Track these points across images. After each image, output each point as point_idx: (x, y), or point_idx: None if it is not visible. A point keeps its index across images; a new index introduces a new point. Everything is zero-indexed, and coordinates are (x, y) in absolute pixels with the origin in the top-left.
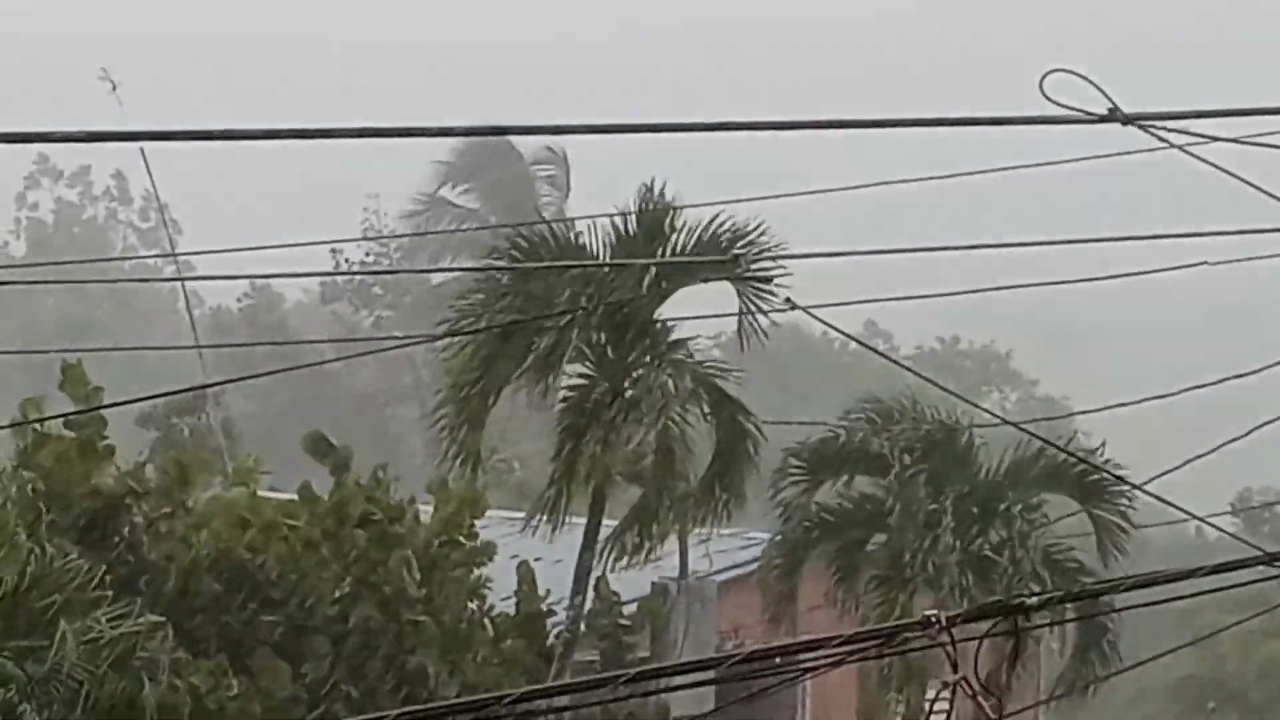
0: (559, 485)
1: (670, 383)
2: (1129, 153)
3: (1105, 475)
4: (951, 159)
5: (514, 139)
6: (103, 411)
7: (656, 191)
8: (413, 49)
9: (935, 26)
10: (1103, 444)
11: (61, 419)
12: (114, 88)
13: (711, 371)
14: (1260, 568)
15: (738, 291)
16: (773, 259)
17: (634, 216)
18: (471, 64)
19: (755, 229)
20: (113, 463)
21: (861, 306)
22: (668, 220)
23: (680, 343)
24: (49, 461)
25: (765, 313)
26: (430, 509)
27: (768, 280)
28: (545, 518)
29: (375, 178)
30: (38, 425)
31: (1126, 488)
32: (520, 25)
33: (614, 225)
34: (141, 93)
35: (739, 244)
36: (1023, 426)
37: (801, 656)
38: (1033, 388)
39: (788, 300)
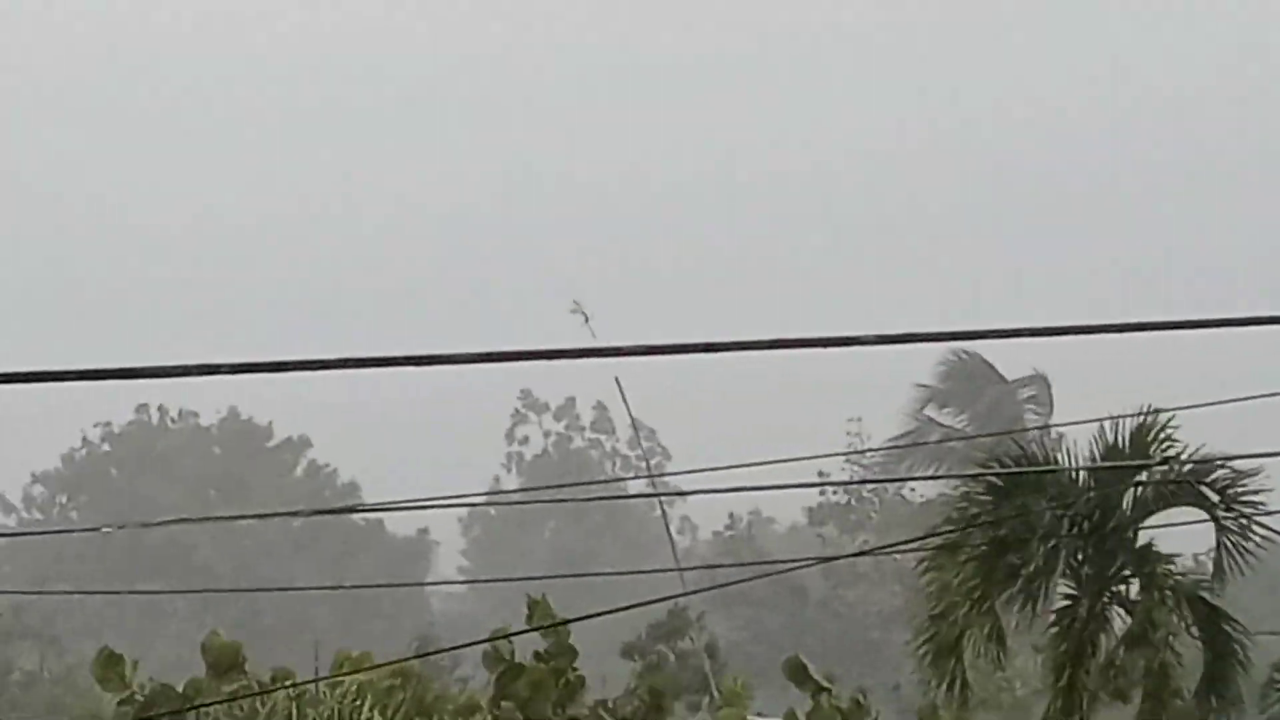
0: (1061, 709)
1: (1162, 604)
2: None
3: None
4: None
5: (993, 361)
6: (578, 641)
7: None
8: None
9: None
10: None
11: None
12: (586, 320)
13: (1198, 587)
14: None
15: (1215, 521)
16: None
17: (1118, 430)
18: None
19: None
20: (583, 692)
21: None
22: (1154, 436)
23: (1163, 558)
24: (526, 691)
25: (1244, 533)
26: None
27: (1248, 506)
28: None
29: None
30: (508, 656)
31: None
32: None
33: (1098, 437)
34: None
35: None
36: None
37: None
38: None
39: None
